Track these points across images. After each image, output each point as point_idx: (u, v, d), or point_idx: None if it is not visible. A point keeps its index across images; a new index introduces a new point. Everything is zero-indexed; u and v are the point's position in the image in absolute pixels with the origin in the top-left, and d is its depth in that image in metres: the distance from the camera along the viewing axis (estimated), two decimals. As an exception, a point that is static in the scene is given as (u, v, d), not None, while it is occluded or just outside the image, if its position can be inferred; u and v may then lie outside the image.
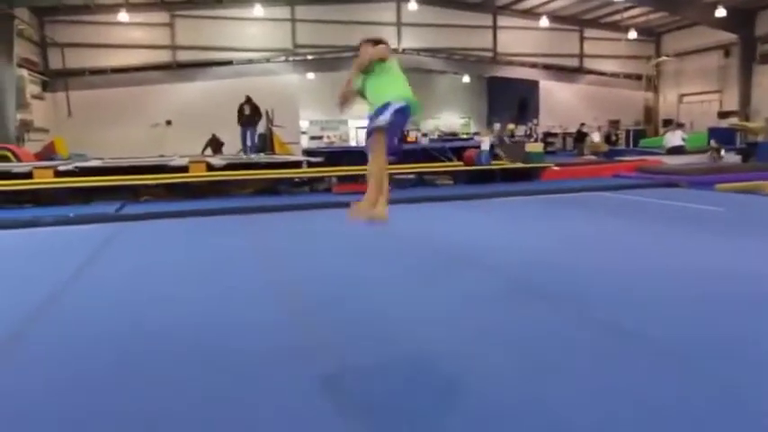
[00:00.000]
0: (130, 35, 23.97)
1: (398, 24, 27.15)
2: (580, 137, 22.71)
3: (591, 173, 13.61)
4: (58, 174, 10.97)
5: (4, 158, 15.99)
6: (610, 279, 4.42)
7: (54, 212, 8.75)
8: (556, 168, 13.43)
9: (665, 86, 30.40)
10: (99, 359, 3.04)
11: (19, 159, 15.89)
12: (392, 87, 3.66)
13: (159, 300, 4.13)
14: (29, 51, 21.75)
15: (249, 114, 14.07)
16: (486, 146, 12.99)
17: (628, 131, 27.82)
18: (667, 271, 4.59)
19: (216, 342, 3.26)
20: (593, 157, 18.60)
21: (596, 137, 20.88)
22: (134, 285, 4.60)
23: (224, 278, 4.76)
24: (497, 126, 31.13)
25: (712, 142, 16.56)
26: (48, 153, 18.85)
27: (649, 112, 30.74)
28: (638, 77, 30.34)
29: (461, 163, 13.27)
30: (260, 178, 11.72)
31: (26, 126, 20.11)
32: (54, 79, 23.12)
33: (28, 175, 10.84)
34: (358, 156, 14.12)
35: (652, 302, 3.77)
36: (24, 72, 19.54)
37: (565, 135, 28.95)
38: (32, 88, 20.99)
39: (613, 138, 26.25)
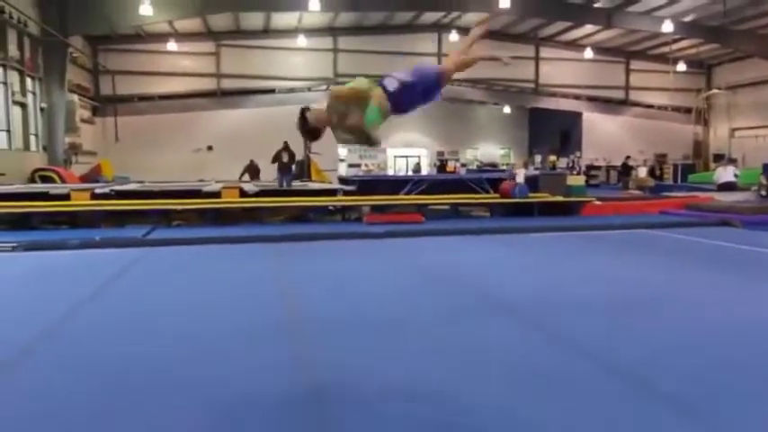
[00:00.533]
0: (178, 63, 24.75)
1: (439, 55, 27.12)
2: (625, 170, 21.86)
3: (636, 209, 12.94)
4: (95, 196, 11.12)
5: (50, 179, 16.53)
6: (661, 339, 3.94)
7: (85, 234, 8.80)
8: (597, 203, 12.85)
9: (716, 120, 29.30)
10: (78, 393, 2.82)
11: (63, 181, 16.38)
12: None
13: (160, 333, 3.91)
14: (82, 78, 22.69)
15: (287, 162, 14.15)
16: (520, 178, 12.54)
17: (675, 166, 26.78)
18: (731, 327, 4.09)
19: (203, 382, 2.99)
20: (638, 192, 17.82)
21: (642, 171, 20.08)
22: (140, 315, 4.41)
23: (232, 313, 4.52)
24: (538, 157, 30.62)
25: (762, 178, 15.66)
26: (93, 175, 19.43)
27: (699, 147, 29.63)
28: (688, 111, 29.38)
29: (498, 195, 12.86)
30: (292, 206, 11.60)
31: (75, 149, 20.81)
32: (104, 105, 24.00)
33: (66, 197, 11.02)
34: (390, 185, 14.00)
35: (718, 371, 3.28)
36: (75, 97, 20.30)
37: (609, 168, 28.16)
38: (83, 113, 21.81)
39: (657, 172, 25.25)
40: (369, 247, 7.93)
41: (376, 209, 11.92)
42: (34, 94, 18.14)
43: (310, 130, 3.38)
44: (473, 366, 3.30)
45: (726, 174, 16.74)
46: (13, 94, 16.60)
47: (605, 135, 28.67)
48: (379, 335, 3.89)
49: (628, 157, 22.88)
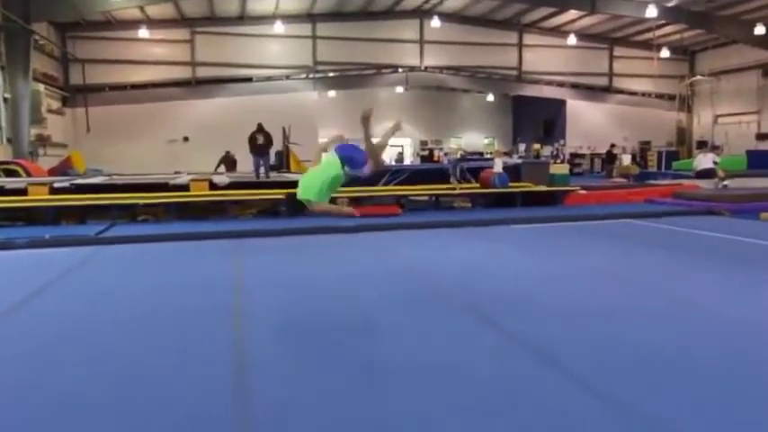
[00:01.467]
0: (150, 51, 23.91)
1: (421, 42, 26.60)
2: (610, 158, 21.49)
3: (620, 198, 12.61)
4: (54, 191, 10.50)
5: (14, 173, 15.78)
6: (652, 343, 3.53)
7: (40, 232, 8.23)
8: (582, 192, 12.49)
9: (700, 107, 29.13)
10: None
11: (29, 174, 15.64)
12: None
13: (81, 350, 3.42)
14: (50, 67, 21.79)
15: (262, 144, 13.37)
16: (498, 167, 12.09)
17: (659, 153, 26.57)
18: (735, 323, 3.69)
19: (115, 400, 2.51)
20: (622, 181, 17.51)
21: (626, 158, 19.64)
22: (69, 324, 3.90)
23: (168, 326, 4.02)
24: (522, 146, 30.30)
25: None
26: (64, 168, 18.67)
27: (682, 134, 29.45)
28: (671, 97, 29.17)
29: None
30: (263, 198, 11.07)
31: (42, 141, 20.01)
32: (74, 94, 23.12)
33: (23, 192, 10.39)
34: (369, 175, 13.50)
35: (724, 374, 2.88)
36: (41, 87, 19.45)
37: (593, 156, 27.91)
38: (51, 103, 20.95)
39: (640, 160, 24.94)
40: (339, 244, 7.47)
41: (353, 201, 11.44)
42: (-4, 83, 17.31)
43: None
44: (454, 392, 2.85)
45: (705, 160, 16.43)
46: (-28, 83, 15.80)
47: (589, 123, 28.38)
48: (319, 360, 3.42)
49: (612, 145, 22.60)
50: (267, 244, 7.57)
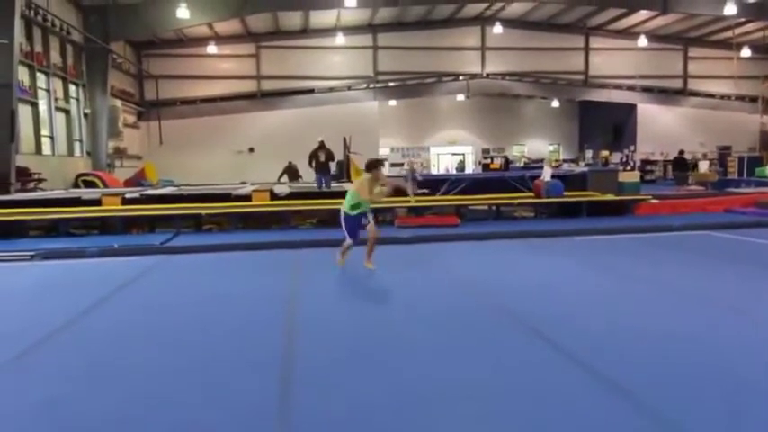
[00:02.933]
0: (219, 66, 24.83)
1: (482, 49, 26.25)
2: (679, 165, 19.73)
3: (697, 207, 11.81)
4: (125, 201, 10.99)
5: (93, 184, 16.75)
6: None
7: (113, 240, 8.61)
8: (654, 201, 11.79)
9: (786, 109, 27.09)
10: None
11: (106, 185, 16.56)
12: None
13: (135, 366, 3.46)
14: (127, 83, 23.06)
15: (324, 161, 13.41)
16: (547, 176, 11.55)
17: (740, 159, 24.86)
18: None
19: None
20: (698, 189, 16.42)
21: (704, 165, 18.18)
22: (128, 333, 3.98)
23: (221, 339, 4.03)
24: (589, 153, 29.20)
25: None
26: (137, 179, 19.65)
27: (766, 138, 27.47)
28: (753, 99, 27.30)
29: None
30: (324, 209, 11.12)
31: (119, 153, 21.15)
32: (148, 109, 24.35)
33: (97, 203, 10.94)
34: (428, 185, 13.32)
35: None
36: (118, 102, 20.58)
37: (666, 163, 26.49)
38: (127, 117, 22.13)
39: (718, 167, 22.98)
40: (395, 255, 7.34)
41: (412, 211, 11.32)
42: (77, 100, 18.44)
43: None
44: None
45: None
46: (56, 100, 16.90)
47: (662, 128, 27.00)
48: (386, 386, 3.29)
49: (681, 152, 20.93)
50: (326, 254, 7.55)
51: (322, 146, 13.94)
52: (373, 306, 4.75)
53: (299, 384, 3.05)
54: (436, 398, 2.85)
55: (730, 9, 20.03)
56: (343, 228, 6.15)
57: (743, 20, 22.47)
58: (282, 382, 3.08)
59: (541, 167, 23.20)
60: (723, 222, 9.61)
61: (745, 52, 24.79)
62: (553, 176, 11.93)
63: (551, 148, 31.17)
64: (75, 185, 16.52)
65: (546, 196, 11.32)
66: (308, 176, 18.31)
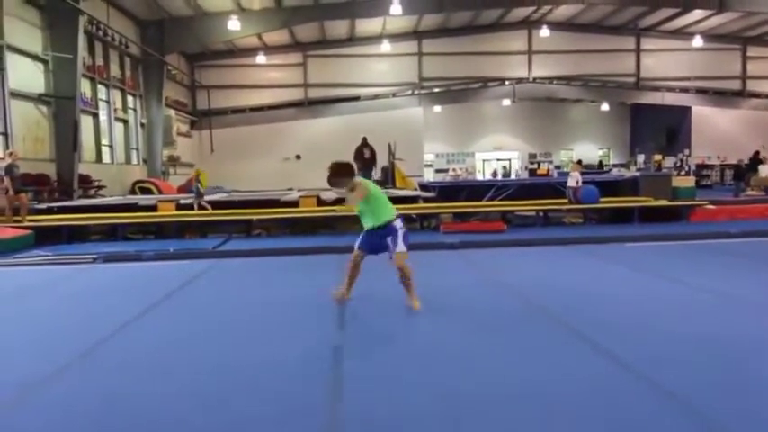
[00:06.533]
0: (267, 75, 25.49)
1: (529, 53, 25.97)
2: (740, 172, 18.49)
3: (757, 214, 11.30)
4: (179, 207, 11.40)
5: (148, 191, 17.45)
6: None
7: (168, 245, 8.97)
8: (710, 207, 11.35)
9: None
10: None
11: (161, 192, 17.23)
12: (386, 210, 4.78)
13: (191, 364, 3.61)
14: (180, 94, 23.98)
15: (369, 157, 13.65)
16: (572, 182, 11.20)
17: (805, 163, 23.60)
18: None
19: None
20: (759, 194, 15.65)
21: (765, 169, 17.10)
22: (175, 340, 4.15)
23: (268, 339, 4.14)
24: (641, 157, 28.35)
25: None
26: (190, 186, 20.31)
27: (834, 140, 26.00)
28: (819, 99, 25.96)
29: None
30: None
31: (173, 161, 21.97)
32: (200, 118, 25.22)
33: (153, 209, 11.40)
34: (474, 191, 13.26)
35: None
36: (172, 112, 21.40)
37: (723, 167, 25.45)
38: (180, 127, 23.00)
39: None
40: (440, 261, 7.34)
41: (457, 217, 11.30)
42: (135, 110, 19.29)
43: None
44: None
45: None
46: (115, 111, 17.72)
47: (719, 131, 25.98)
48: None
49: (740, 161, 19.33)
50: (371, 259, 7.64)
51: (366, 142, 14.16)
52: (422, 310, 4.77)
53: (350, 389, 3.11)
54: (488, 403, 2.86)
55: (793, 6, 19.16)
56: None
57: (807, 16, 21.43)
58: (333, 386, 3.15)
59: (597, 172, 22.72)
60: (786, 229, 9.15)
61: (810, 50, 23.62)
62: (586, 182, 11.59)
63: (600, 152, 30.46)
64: (132, 192, 17.28)
65: (583, 202, 11.05)
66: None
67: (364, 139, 13.92)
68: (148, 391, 3.13)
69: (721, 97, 26.39)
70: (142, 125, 19.63)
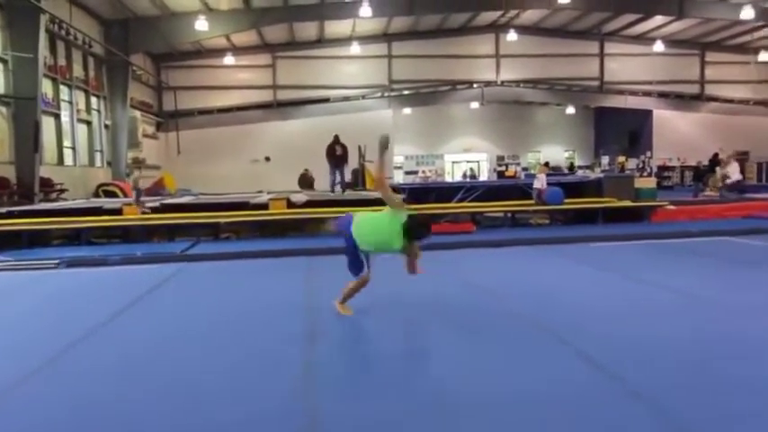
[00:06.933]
0: (235, 77, 25.20)
1: (497, 56, 26.33)
2: (699, 174, 18.63)
3: (715, 213, 11.72)
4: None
5: (113, 194, 17.06)
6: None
7: (134, 249, 8.81)
8: (670, 208, 11.72)
9: (807, 113, 26.74)
10: None
11: (126, 195, 16.86)
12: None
13: (161, 362, 3.57)
14: (146, 95, 23.51)
15: (341, 154, 13.71)
16: (538, 183, 11.49)
17: (760, 164, 24.60)
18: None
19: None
20: (714, 195, 15.95)
21: (734, 168, 16.09)
22: (148, 341, 4.10)
23: (234, 343, 4.13)
24: (605, 159, 29.04)
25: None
26: (156, 189, 19.97)
27: (787, 143, 27.10)
28: (773, 104, 27.02)
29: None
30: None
31: (138, 163, 21.52)
32: (167, 119, 24.78)
33: (118, 212, 11.16)
34: (443, 192, 13.39)
35: None
36: (138, 113, 20.97)
37: (683, 169, 26.25)
38: (146, 128, 22.54)
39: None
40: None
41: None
42: (99, 111, 18.84)
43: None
44: None
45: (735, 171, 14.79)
46: (78, 112, 17.28)
47: (679, 133, 26.78)
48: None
49: (716, 155, 19.28)
50: (341, 261, 7.65)
51: (337, 140, 14.22)
52: (392, 312, 4.81)
53: (323, 394, 3.12)
54: (456, 405, 2.91)
55: (748, 13, 19.91)
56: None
57: (761, 24, 22.26)
58: (306, 391, 3.15)
59: (564, 173, 23.04)
60: (743, 228, 9.53)
61: (763, 56, 24.58)
62: (552, 184, 11.87)
63: (566, 154, 31.07)
64: (96, 195, 16.86)
65: (549, 203, 11.30)
66: (320, 185, 18.51)
67: (336, 137, 13.98)
68: (117, 397, 3.09)
69: (681, 101, 27.22)
70: (106, 126, 19.18)
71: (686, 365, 3.34)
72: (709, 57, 27.01)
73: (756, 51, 24.41)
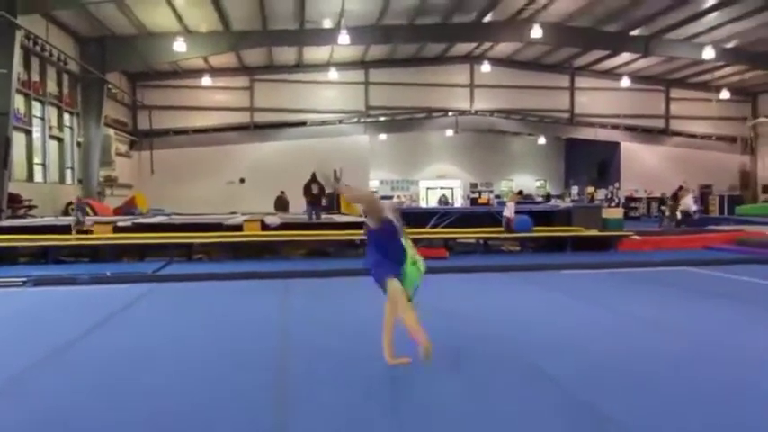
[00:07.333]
0: (212, 98, 25.23)
1: (471, 86, 26.95)
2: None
3: (678, 244, 12.13)
4: (117, 230, 11.07)
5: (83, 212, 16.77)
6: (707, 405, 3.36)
7: (104, 268, 8.69)
8: (636, 238, 12.09)
9: (765, 150, 27.93)
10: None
11: (96, 213, 16.58)
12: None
13: (129, 383, 3.57)
14: (120, 113, 23.34)
15: (317, 193, 13.83)
16: (507, 212, 11.80)
17: (721, 197, 25.53)
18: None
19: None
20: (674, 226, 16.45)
21: (689, 199, 16.68)
22: (116, 360, 4.08)
23: (210, 366, 4.14)
24: (575, 189, 29.73)
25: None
26: (127, 208, 19.70)
27: (746, 177, 28.23)
28: (733, 140, 28.16)
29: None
30: (313, 240, 11.29)
31: (110, 182, 21.25)
32: (141, 139, 24.56)
33: (88, 230, 11.01)
34: (417, 218, 13.54)
35: None
36: (112, 131, 20.78)
37: (649, 200, 27.05)
38: (119, 147, 22.31)
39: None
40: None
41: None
42: (71, 128, 18.62)
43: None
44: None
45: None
46: (50, 128, 17.07)
47: (645, 166, 27.66)
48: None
49: (680, 188, 19.66)
50: (314, 284, 7.70)
51: (314, 179, 14.29)
52: (361, 336, 4.87)
53: (295, 414, 3.16)
54: (420, 419, 2.99)
55: (708, 54, 20.89)
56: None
57: (721, 64, 23.35)
58: (276, 411, 3.19)
59: (538, 202, 23.48)
60: (702, 259, 9.89)
61: (724, 94, 25.73)
62: (523, 212, 12.17)
63: (538, 183, 31.73)
64: (66, 213, 16.56)
65: (517, 231, 11.57)
66: (296, 207, 18.54)
67: (313, 175, 14.00)
68: (82, 417, 3.08)
69: (648, 134, 28.18)
70: (78, 144, 18.95)
71: (652, 388, 3.49)
72: (674, 93, 28.11)
73: (718, 89, 25.53)
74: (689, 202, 15.90)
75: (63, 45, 17.10)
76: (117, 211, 18.38)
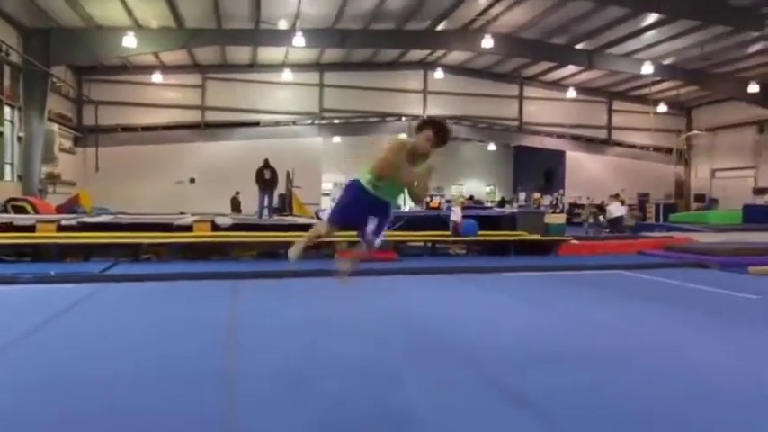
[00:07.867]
0: (163, 95, 24.74)
1: (424, 92, 27.45)
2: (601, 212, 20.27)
3: (613, 249, 12.85)
4: (61, 228, 10.80)
5: (23, 210, 16.15)
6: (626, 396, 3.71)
7: (47, 268, 8.51)
8: (575, 242, 12.73)
9: (697, 161, 29.69)
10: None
11: (37, 211, 16.00)
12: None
13: (76, 382, 3.63)
14: (64, 107, 22.54)
15: (269, 179, 13.89)
16: (454, 216, 12.33)
17: (657, 205, 26.96)
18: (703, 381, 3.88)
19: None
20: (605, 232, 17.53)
21: (617, 208, 17.27)
22: (63, 360, 4.11)
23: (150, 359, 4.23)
24: (523, 195, 30.71)
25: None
26: (71, 206, 19.05)
27: (681, 187, 29.91)
28: (669, 151, 29.76)
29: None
30: (264, 241, 11.35)
31: (52, 179, 20.52)
32: (86, 135, 23.80)
33: (31, 229, 10.71)
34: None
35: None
36: (55, 127, 20.10)
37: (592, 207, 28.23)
38: (63, 143, 21.57)
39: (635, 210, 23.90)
40: (334, 287, 7.66)
41: (352, 245, 11.70)
42: (12, 122, 17.93)
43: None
44: None
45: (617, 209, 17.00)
46: (-12, 122, 16.39)
47: (589, 174, 28.88)
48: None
49: (616, 195, 20.76)
50: (265, 285, 7.80)
51: (267, 164, 14.39)
52: (311, 335, 5.05)
53: (241, 415, 3.32)
54: (363, 419, 3.21)
55: (647, 69, 22.10)
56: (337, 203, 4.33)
57: (658, 79, 24.70)
58: (225, 415, 3.33)
59: (487, 207, 24.24)
60: (634, 263, 10.55)
61: (662, 108, 27.19)
62: (471, 216, 12.69)
63: (488, 188, 32.58)
64: (5, 210, 15.91)
65: (463, 235, 12.02)
66: (250, 208, 18.46)
67: (266, 161, 14.15)
68: (28, 412, 3.13)
69: (591, 144, 29.42)
70: (19, 139, 18.24)
71: (571, 378, 3.83)
72: (616, 105, 29.48)
73: (655, 103, 26.96)
74: (612, 209, 16.98)
75: (5, 36, 16.48)
76: (60, 210, 17.77)
